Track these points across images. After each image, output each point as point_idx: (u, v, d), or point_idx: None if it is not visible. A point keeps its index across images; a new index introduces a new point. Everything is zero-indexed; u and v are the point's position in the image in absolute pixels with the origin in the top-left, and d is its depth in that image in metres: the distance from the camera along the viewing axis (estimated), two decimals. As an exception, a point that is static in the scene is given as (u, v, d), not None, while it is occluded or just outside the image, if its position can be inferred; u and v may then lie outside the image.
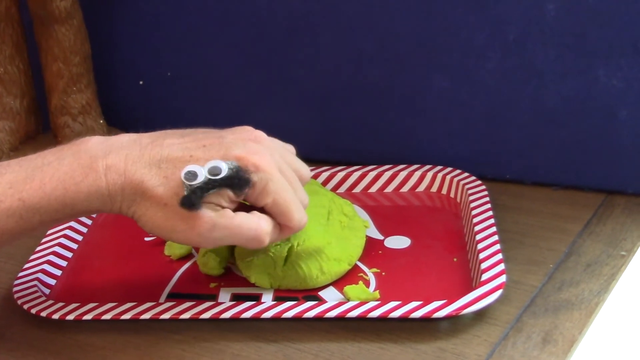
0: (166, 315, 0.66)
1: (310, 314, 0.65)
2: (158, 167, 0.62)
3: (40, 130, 0.95)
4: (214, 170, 0.61)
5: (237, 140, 0.63)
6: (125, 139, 0.64)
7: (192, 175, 0.61)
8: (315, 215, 0.71)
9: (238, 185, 0.62)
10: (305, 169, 0.67)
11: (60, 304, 0.68)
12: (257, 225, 0.63)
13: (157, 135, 0.65)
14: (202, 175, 0.61)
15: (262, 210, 0.64)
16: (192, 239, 0.63)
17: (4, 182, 0.62)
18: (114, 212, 0.63)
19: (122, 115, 0.96)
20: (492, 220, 0.75)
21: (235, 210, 0.63)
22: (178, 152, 0.63)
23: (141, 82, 0.95)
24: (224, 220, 0.62)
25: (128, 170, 0.62)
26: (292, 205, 0.64)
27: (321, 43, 0.86)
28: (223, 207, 0.62)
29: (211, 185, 0.61)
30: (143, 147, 0.63)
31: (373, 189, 0.84)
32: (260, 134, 0.65)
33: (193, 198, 0.61)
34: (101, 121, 0.93)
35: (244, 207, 0.65)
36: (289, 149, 0.68)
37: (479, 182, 0.82)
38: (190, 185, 0.61)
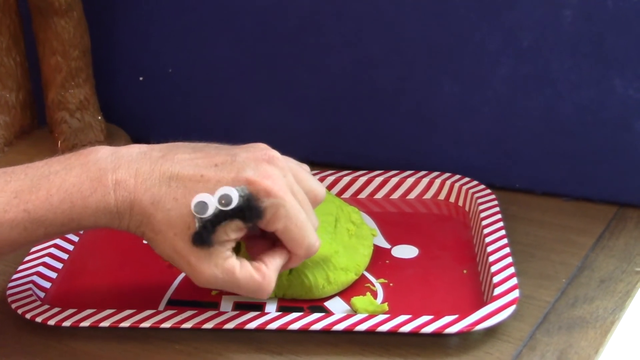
0: (167, 324, 0.64)
1: (317, 326, 0.63)
2: (168, 186, 0.60)
3: (36, 125, 0.93)
4: (225, 199, 0.59)
5: (249, 160, 0.61)
6: (135, 152, 0.62)
7: (202, 207, 0.59)
8: (322, 223, 0.69)
9: (249, 216, 0.60)
10: (320, 189, 0.65)
11: (56, 310, 0.66)
12: (261, 282, 0.61)
13: (168, 148, 0.62)
14: (213, 205, 0.59)
15: (272, 234, 0.62)
16: (194, 282, 0.62)
17: (9, 191, 0.60)
18: (121, 229, 0.61)
19: (121, 112, 0.94)
20: (503, 232, 0.73)
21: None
22: (189, 169, 0.60)
23: (141, 79, 0.92)
24: (225, 277, 0.61)
25: (138, 188, 0.60)
26: (304, 231, 0.62)
27: (329, 44, 0.84)
28: (232, 240, 0.61)
29: (222, 217, 0.59)
30: (153, 161, 0.61)
31: (379, 195, 0.82)
32: (274, 154, 0.62)
33: (204, 235, 0.59)
34: (99, 117, 0.90)
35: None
36: (304, 168, 0.66)
37: (489, 190, 0.80)
38: (201, 218, 0.59)
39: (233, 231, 0.60)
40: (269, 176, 0.60)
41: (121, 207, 0.60)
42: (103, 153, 0.61)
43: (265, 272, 0.62)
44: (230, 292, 0.69)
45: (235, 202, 0.59)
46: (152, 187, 0.60)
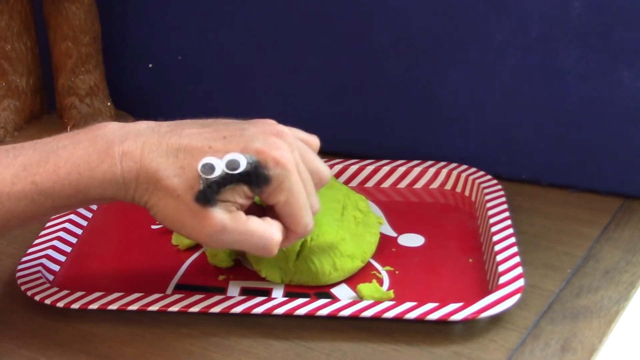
0: (174, 308, 0.65)
1: (323, 312, 0.64)
2: (175, 157, 0.60)
3: (46, 110, 0.93)
4: (232, 164, 0.59)
5: (258, 133, 0.61)
6: (143, 126, 0.62)
7: (209, 168, 0.59)
8: (329, 210, 0.70)
9: (256, 181, 0.60)
10: (325, 170, 0.65)
11: (65, 292, 0.66)
12: (269, 234, 0.61)
13: (177, 124, 0.63)
14: (220, 168, 0.59)
15: (271, 210, 0.62)
16: (200, 237, 0.61)
17: (18, 164, 0.61)
18: (127, 200, 0.61)
19: (130, 98, 0.94)
20: (509, 222, 0.73)
21: (248, 208, 0.61)
22: (197, 142, 0.61)
23: (150, 65, 0.92)
24: (234, 225, 0.60)
25: (144, 158, 0.60)
26: (303, 208, 0.62)
27: (338, 33, 0.84)
28: (237, 203, 0.60)
29: (228, 180, 0.59)
30: (161, 135, 0.61)
31: (386, 184, 0.83)
32: (283, 129, 0.63)
33: (208, 193, 0.59)
34: (108, 103, 0.91)
35: (255, 206, 0.63)
36: (313, 141, 0.66)
37: (495, 181, 0.80)
38: (206, 179, 0.59)
39: (239, 196, 0.60)
40: (277, 147, 0.60)
41: (127, 177, 0.60)
42: (111, 128, 0.62)
43: (272, 222, 0.61)
44: (236, 278, 0.70)
45: (242, 167, 0.59)
46: (158, 157, 0.60)
